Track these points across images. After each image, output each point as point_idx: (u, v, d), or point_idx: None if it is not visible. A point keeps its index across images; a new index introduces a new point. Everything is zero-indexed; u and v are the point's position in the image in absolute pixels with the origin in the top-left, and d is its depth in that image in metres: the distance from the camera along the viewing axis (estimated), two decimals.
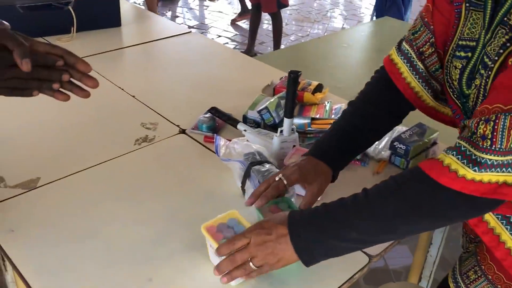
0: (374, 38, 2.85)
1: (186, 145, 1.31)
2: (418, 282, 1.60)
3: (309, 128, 1.33)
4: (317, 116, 1.43)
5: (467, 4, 0.87)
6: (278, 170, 1.04)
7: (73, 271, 0.91)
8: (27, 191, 1.10)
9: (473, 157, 0.70)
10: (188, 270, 0.92)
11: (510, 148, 0.69)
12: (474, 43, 0.86)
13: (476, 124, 0.72)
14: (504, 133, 0.69)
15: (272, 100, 1.38)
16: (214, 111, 1.38)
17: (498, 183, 0.70)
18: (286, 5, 3.89)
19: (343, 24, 5.52)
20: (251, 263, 0.82)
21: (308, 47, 2.66)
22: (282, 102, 1.41)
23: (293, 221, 0.82)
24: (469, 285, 1.02)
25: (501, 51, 0.79)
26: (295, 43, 4.68)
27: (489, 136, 0.70)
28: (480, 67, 0.85)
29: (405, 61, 1.03)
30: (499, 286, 0.97)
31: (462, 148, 0.72)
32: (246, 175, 1.07)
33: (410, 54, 1.01)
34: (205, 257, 0.94)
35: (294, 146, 1.20)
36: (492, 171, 0.70)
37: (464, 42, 0.88)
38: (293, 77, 1.10)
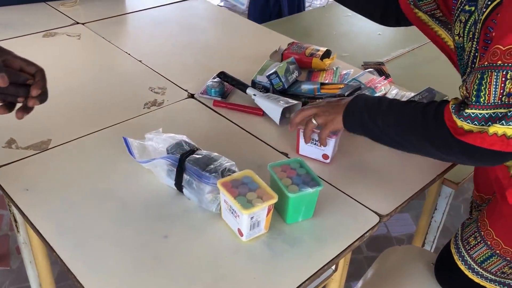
0: None
1: (195, 109, 1.31)
2: (422, 247, 1.63)
3: (319, 93, 1.33)
4: (326, 81, 1.43)
5: None
6: (217, 155, 0.99)
7: (91, 229, 0.92)
8: (39, 152, 1.11)
9: (462, 112, 0.80)
10: (202, 227, 0.94)
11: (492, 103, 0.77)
12: None
13: (467, 84, 0.82)
14: (485, 90, 0.77)
15: (281, 65, 1.37)
16: (222, 76, 1.38)
17: (465, 131, 0.80)
18: None
19: None
20: (313, 120, 1.05)
21: (312, 16, 2.63)
22: (291, 67, 1.41)
23: (354, 99, 1.01)
24: (469, 251, 1.05)
25: (489, 2, 0.81)
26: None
27: (474, 93, 0.79)
28: (472, 22, 0.87)
29: None
30: (498, 251, 1.00)
31: (460, 102, 0.84)
32: (181, 170, 0.97)
33: None
34: (217, 215, 0.96)
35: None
36: (475, 124, 0.79)
37: None
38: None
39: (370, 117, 0.96)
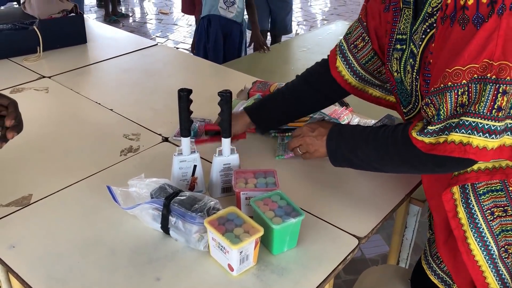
0: (330, 41, 2.98)
1: (171, 152, 1.35)
2: (397, 264, 1.70)
3: (286, 127, 1.40)
4: None
5: (402, 4, 1.03)
6: (201, 195, 1.04)
7: (81, 279, 0.93)
8: (21, 208, 1.11)
9: (428, 130, 0.91)
10: (192, 266, 0.97)
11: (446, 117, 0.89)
12: (405, 36, 1.02)
13: (424, 110, 0.94)
14: (443, 108, 0.88)
15: (248, 101, 1.44)
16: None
17: (433, 144, 0.90)
18: None
19: (297, 30, 5.68)
20: (298, 149, 1.20)
21: (270, 53, 2.75)
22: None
23: (333, 128, 1.12)
24: (440, 265, 1.11)
25: (424, 36, 0.95)
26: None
27: (435, 112, 0.90)
28: (409, 56, 1.01)
29: (341, 55, 1.25)
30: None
31: (425, 123, 0.94)
32: (167, 212, 1.00)
33: (344, 48, 1.25)
34: (205, 253, 0.99)
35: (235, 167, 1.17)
36: (434, 136, 0.90)
37: (400, 36, 1.04)
38: (183, 95, 1.09)
39: (351, 151, 1.08)
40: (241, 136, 1.40)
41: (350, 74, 1.25)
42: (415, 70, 1.00)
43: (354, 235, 1.06)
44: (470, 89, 0.85)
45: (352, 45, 1.23)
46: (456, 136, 0.86)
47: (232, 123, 1.15)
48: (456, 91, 0.86)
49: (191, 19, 5.92)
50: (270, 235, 0.97)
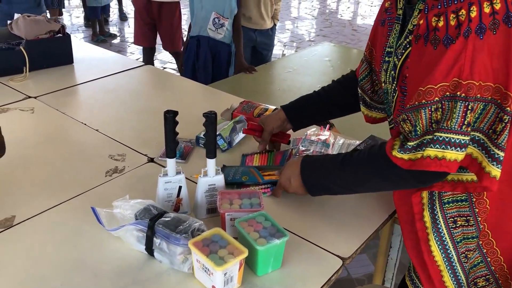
0: (316, 62, 3.02)
1: (157, 173, 1.35)
2: (382, 284, 1.71)
3: (263, 180, 1.30)
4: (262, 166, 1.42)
5: (395, 20, 1.09)
6: (185, 216, 1.04)
7: None
8: (3, 230, 1.10)
9: (406, 146, 0.95)
10: (177, 287, 0.97)
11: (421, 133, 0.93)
12: (391, 49, 1.07)
13: (401, 126, 0.98)
14: (419, 124, 0.93)
15: (226, 127, 1.45)
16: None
17: (412, 160, 0.94)
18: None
19: (283, 51, 5.75)
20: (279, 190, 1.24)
21: (257, 74, 2.78)
22: (238, 126, 1.50)
23: (304, 164, 1.15)
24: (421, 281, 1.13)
25: (404, 51, 1.01)
26: None
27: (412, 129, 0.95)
28: (392, 68, 1.06)
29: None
30: None
31: (402, 140, 0.98)
32: (151, 234, 0.99)
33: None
34: (189, 275, 0.99)
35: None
36: (413, 152, 0.94)
37: (389, 49, 1.10)
38: (169, 117, 1.09)
39: (326, 179, 1.12)
40: (284, 139, 1.44)
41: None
42: (394, 82, 1.06)
43: (338, 256, 1.07)
44: (443, 106, 0.90)
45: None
46: (431, 151, 0.92)
47: (267, 119, 1.34)
48: (429, 108, 0.91)
49: None
50: (254, 256, 0.97)
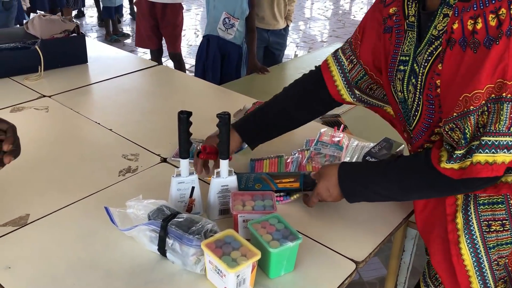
0: None
1: (170, 173, 1.35)
2: None
3: (277, 188, 1.26)
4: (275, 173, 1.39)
5: (406, 27, 1.06)
6: (198, 217, 1.04)
7: None
8: (18, 228, 1.11)
9: (457, 155, 0.92)
10: None
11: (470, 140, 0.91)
12: (408, 58, 1.04)
13: (449, 135, 0.95)
14: (468, 132, 0.90)
15: None
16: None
17: (463, 169, 0.91)
18: None
19: (296, 51, 5.74)
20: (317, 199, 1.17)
21: (269, 74, 2.77)
22: None
23: (343, 173, 1.11)
24: (438, 286, 1.12)
25: (429, 58, 0.98)
26: None
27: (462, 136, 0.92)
28: (412, 76, 1.03)
29: (338, 68, 1.26)
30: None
31: (449, 150, 0.95)
32: (164, 234, 0.99)
33: (344, 62, 1.25)
34: (202, 276, 0.99)
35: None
36: (463, 160, 0.91)
37: (403, 58, 1.07)
38: (183, 117, 1.09)
39: (371, 190, 1.08)
40: (213, 156, 1.26)
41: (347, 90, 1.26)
42: (417, 90, 1.02)
43: (351, 259, 1.06)
44: (489, 109, 0.88)
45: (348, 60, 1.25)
46: (480, 157, 0.89)
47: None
48: (477, 113, 0.89)
49: (191, 39, 5.98)
50: (267, 258, 0.96)
